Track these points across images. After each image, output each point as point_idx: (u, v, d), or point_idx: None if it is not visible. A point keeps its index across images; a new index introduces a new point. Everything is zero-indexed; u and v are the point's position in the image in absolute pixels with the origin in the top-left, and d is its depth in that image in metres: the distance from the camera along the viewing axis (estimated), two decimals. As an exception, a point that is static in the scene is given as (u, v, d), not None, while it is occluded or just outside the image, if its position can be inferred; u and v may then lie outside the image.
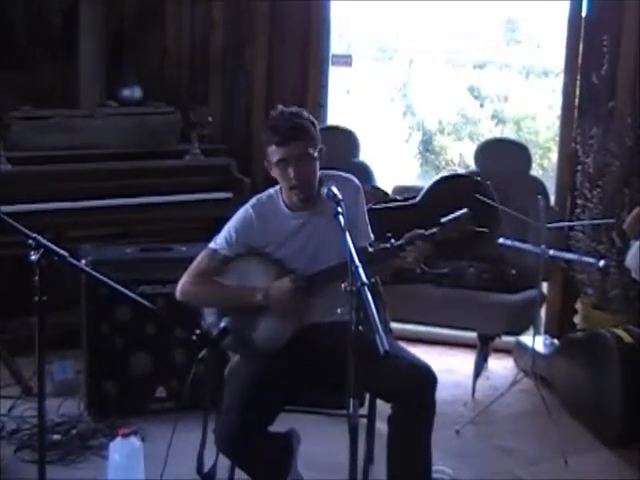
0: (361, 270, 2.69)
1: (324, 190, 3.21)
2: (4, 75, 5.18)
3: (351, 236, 2.87)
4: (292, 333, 3.35)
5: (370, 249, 3.37)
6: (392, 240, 3.29)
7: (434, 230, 3.29)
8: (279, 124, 3.33)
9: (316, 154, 3.35)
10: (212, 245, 3.46)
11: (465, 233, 3.31)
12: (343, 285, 2.70)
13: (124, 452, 3.72)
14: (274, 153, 3.32)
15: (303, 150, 3.31)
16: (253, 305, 3.34)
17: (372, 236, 3.51)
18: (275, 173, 3.37)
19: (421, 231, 3.30)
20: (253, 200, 3.50)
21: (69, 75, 5.40)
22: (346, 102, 8.23)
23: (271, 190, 3.49)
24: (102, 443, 4.12)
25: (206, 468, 3.41)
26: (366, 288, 2.64)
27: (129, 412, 4.38)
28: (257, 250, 3.42)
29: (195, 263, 3.47)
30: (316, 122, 3.42)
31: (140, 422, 4.27)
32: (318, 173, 3.38)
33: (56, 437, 4.16)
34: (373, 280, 2.74)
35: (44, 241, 2.80)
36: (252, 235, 3.42)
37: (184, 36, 5.80)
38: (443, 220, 3.30)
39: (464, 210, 3.32)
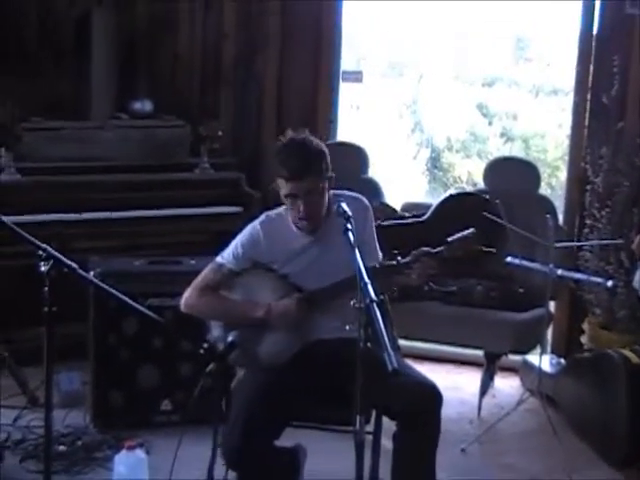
0: (370, 287, 2.70)
1: (334, 207, 3.22)
2: (16, 85, 5.19)
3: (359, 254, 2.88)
4: (297, 349, 3.35)
5: (376, 265, 3.39)
6: (399, 257, 3.30)
7: (441, 248, 3.30)
8: (288, 158, 3.29)
9: (325, 185, 3.35)
10: (219, 259, 3.47)
11: (471, 252, 3.32)
12: (352, 302, 2.71)
13: (129, 464, 3.73)
14: (283, 186, 3.30)
15: (312, 185, 3.29)
16: (255, 321, 3.35)
17: (380, 256, 3.51)
18: (284, 199, 3.36)
19: (427, 249, 3.30)
20: (262, 217, 3.50)
21: (80, 86, 5.42)
22: (355, 118, 8.24)
23: (281, 208, 3.48)
24: (107, 455, 4.12)
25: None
26: (375, 305, 2.64)
27: (135, 424, 4.38)
28: (263, 266, 3.43)
29: (201, 276, 3.48)
30: (325, 149, 3.37)
31: (146, 434, 4.26)
32: (327, 202, 3.38)
33: (61, 448, 4.16)
34: (382, 297, 2.73)
35: (54, 252, 2.81)
36: (259, 252, 3.42)
37: (196, 48, 5.81)
38: (450, 239, 3.31)
39: (471, 229, 3.33)
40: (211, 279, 3.46)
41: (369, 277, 2.75)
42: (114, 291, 3.00)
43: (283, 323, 3.34)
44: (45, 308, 2.79)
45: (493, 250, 3.53)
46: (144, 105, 5.49)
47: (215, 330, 3.43)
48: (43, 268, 2.79)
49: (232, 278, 3.44)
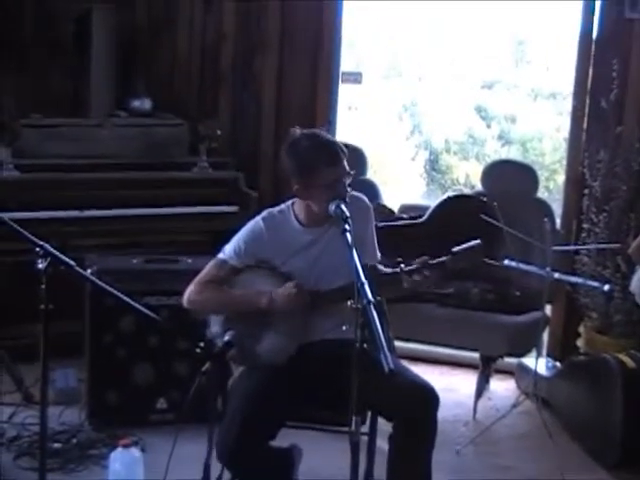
0: (367, 288, 2.70)
1: (331, 207, 3.22)
2: (15, 82, 5.20)
3: (359, 254, 2.88)
4: (296, 348, 3.35)
5: (380, 270, 3.39)
6: (402, 265, 3.30)
7: (444, 258, 3.30)
8: (326, 145, 3.31)
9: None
10: (221, 255, 3.46)
11: (475, 264, 3.32)
12: (349, 302, 2.71)
13: (124, 462, 3.72)
14: (324, 174, 3.26)
15: (346, 168, 3.31)
16: (258, 309, 3.34)
17: (379, 255, 3.53)
18: (315, 193, 3.31)
19: (433, 260, 3.31)
20: (264, 213, 3.50)
21: (80, 84, 5.42)
22: (354, 119, 8.25)
23: (282, 205, 3.49)
24: (102, 453, 4.12)
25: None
26: (372, 306, 2.64)
27: (130, 422, 4.37)
28: (265, 263, 3.42)
29: (203, 272, 3.48)
30: None
31: (141, 433, 4.27)
32: None
33: (56, 445, 4.15)
34: (379, 298, 2.73)
35: (51, 249, 2.80)
36: (261, 247, 3.42)
37: (195, 47, 5.82)
38: (455, 249, 3.31)
39: (476, 241, 3.32)
40: (214, 275, 3.45)
41: (367, 278, 2.75)
42: (111, 289, 2.99)
43: (286, 310, 3.33)
44: (41, 305, 2.79)
45: (497, 264, 3.53)
46: (143, 103, 5.49)
47: (214, 326, 3.43)
48: (40, 265, 2.78)
49: (233, 275, 3.44)
